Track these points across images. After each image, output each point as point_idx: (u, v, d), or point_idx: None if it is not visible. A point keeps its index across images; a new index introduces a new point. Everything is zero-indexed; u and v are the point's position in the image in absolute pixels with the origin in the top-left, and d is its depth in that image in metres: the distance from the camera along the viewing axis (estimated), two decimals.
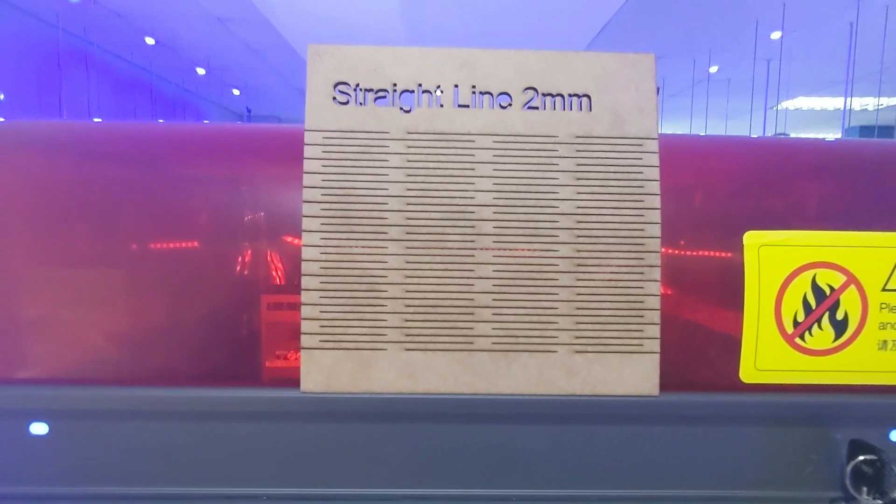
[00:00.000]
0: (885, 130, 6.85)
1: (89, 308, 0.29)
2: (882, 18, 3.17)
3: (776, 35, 3.69)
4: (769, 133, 4.00)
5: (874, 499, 0.25)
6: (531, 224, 0.26)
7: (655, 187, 0.27)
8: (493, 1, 3.03)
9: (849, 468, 0.26)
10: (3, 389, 0.26)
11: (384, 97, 0.27)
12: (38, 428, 0.26)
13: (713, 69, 4.56)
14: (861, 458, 0.26)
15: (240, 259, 0.30)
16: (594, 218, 0.26)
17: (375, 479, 0.27)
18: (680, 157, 0.28)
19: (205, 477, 0.27)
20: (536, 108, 0.27)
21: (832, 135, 7.40)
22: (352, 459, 0.27)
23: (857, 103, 5.73)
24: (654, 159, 0.27)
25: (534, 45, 0.28)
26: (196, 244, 0.30)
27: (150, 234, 0.29)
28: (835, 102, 5.70)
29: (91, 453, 0.26)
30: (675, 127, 7.17)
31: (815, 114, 6.25)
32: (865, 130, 6.25)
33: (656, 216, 0.26)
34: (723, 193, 0.30)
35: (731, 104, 5.29)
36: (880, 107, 5.55)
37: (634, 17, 3.36)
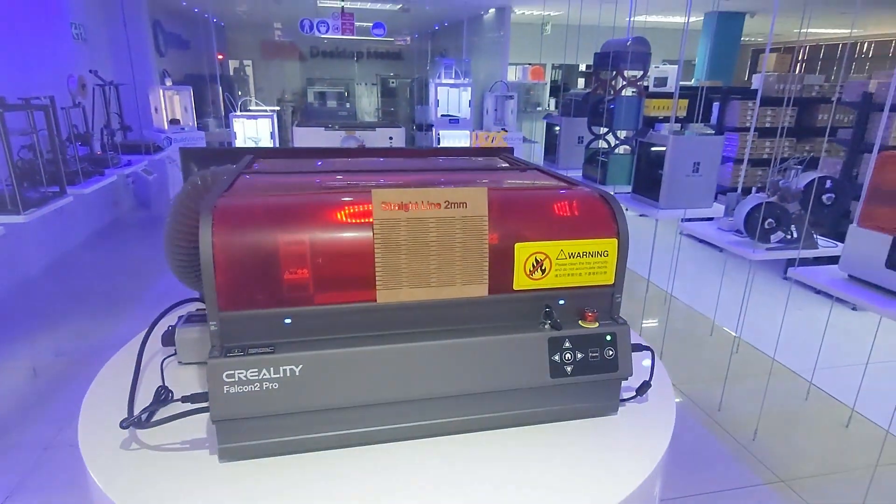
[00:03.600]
0: (734, 15, 7.63)
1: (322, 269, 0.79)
2: None
3: None
4: (640, 15, 4.53)
5: (551, 327, 0.85)
6: (453, 249, 0.80)
7: (485, 233, 0.81)
8: None
9: (543, 315, 0.86)
10: (276, 310, 0.77)
11: None
12: (287, 321, 0.78)
13: None
14: (546, 308, 0.85)
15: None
16: (471, 246, 0.80)
17: (398, 324, 0.81)
18: (493, 216, 0.82)
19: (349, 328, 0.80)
20: (452, 205, 0.79)
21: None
22: (397, 317, 0.81)
23: None
24: (485, 223, 0.80)
25: None
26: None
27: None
28: None
29: (304, 324, 0.79)
30: (560, 8, 7.47)
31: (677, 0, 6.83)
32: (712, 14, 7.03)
33: (485, 244, 0.81)
34: (509, 232, 0.85)
35: None
36: None
37: None
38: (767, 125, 6.06)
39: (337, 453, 0.80)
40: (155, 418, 0.84)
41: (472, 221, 0.79)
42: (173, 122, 6.20)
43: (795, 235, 3.00)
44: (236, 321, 0.75)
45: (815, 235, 3.06)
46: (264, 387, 0.74)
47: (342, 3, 7.62)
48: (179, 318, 1.07)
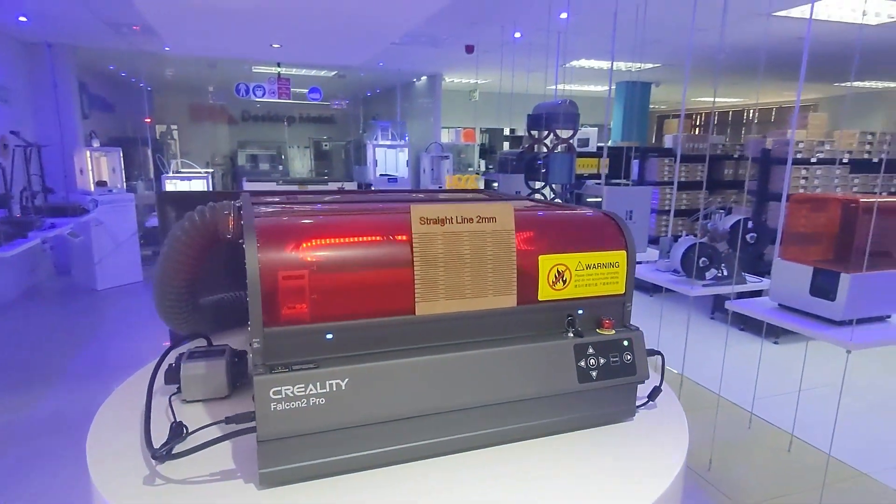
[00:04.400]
0: (643, 85, 8.43)
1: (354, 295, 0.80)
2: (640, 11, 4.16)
3: (563, 15, 4.53)
4: (560, 84, 4.91)
5: (575, 335, 0.90)
6: (485, 262, 0.84)
7: (513, 246, 0.86)
8: None
9: (566, 322, 0.91)
10: (318, 325, 0.77)
11: None
12: (329, 336, 0.78)
13: (517, 35, 5.34)
14: (569, 317, 0.91)
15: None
16: (501, 258, 0.85)
17: (434, 336, 0.84)
18: (518, 231, 0.88)
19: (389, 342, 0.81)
20: (483, 220, 0.84)
21: (603, 87, 8.82)
22: (434, 329, 0.83)
23: (623, 66, 7.05)
24: (513, 236, 0.86)
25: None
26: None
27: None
28: (606, 64, 6.96)
29: (344, 338, 0.79)
30: (489, 77, 7.94)
31: (593, 71, 7.49)
32: (623, 83, 7.77)
33: (513, 256, 0.86)
34: (532, 245, 0.91)
35: (531, 61, 6.18)
36: (637, 69, 6.90)
37: None
38: (683, 179, 6.63)
39: (375, 475, 0.79)
40: (175, 451, 0.80)
41: (500, 235, 0.84)
42: (100, 183, 5.92)
43: (726, 273, 3.26)
44: (279, 337, 0.75)
45: (742, 272, 3.34)
46: (311, 402, 0.73)
47: (278, 70, 7.75)
48: (180, 355, 1.03)
